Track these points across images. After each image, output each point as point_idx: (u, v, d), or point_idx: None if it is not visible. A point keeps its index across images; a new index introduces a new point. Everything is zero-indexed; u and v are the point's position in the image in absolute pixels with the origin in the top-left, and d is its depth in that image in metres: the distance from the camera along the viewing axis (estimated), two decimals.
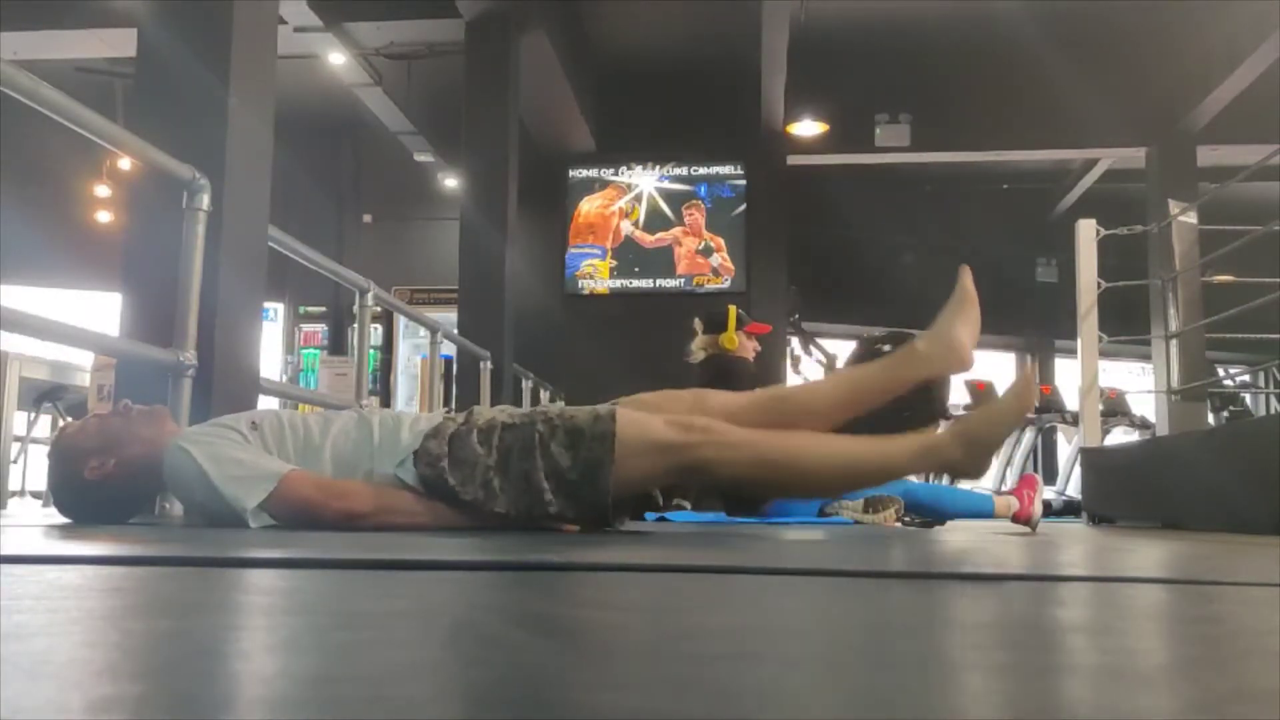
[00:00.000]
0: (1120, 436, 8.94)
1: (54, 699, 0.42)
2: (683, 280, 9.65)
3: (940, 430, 2.24)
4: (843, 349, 5.39)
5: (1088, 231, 5.07)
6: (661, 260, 9.67)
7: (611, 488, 1.98)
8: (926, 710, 0.43)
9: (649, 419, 2.03)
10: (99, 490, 2.09)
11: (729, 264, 9.64)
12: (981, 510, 3.45)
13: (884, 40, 8.60)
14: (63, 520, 2.16)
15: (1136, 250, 7.29)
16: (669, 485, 2.15)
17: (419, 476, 2.00)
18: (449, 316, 6.85)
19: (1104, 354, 5.24)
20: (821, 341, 8.22)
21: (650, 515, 2.69)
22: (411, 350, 10.17)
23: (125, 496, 2.16)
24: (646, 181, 9.75)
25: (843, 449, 2.07)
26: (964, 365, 2.25)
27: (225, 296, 2.93)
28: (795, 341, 8.36)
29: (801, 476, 2.07)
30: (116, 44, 7.50)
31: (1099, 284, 5.01)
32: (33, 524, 2.11)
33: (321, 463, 2.04)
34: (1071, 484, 8.77)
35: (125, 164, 4.60)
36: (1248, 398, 9.36)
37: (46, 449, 2.39)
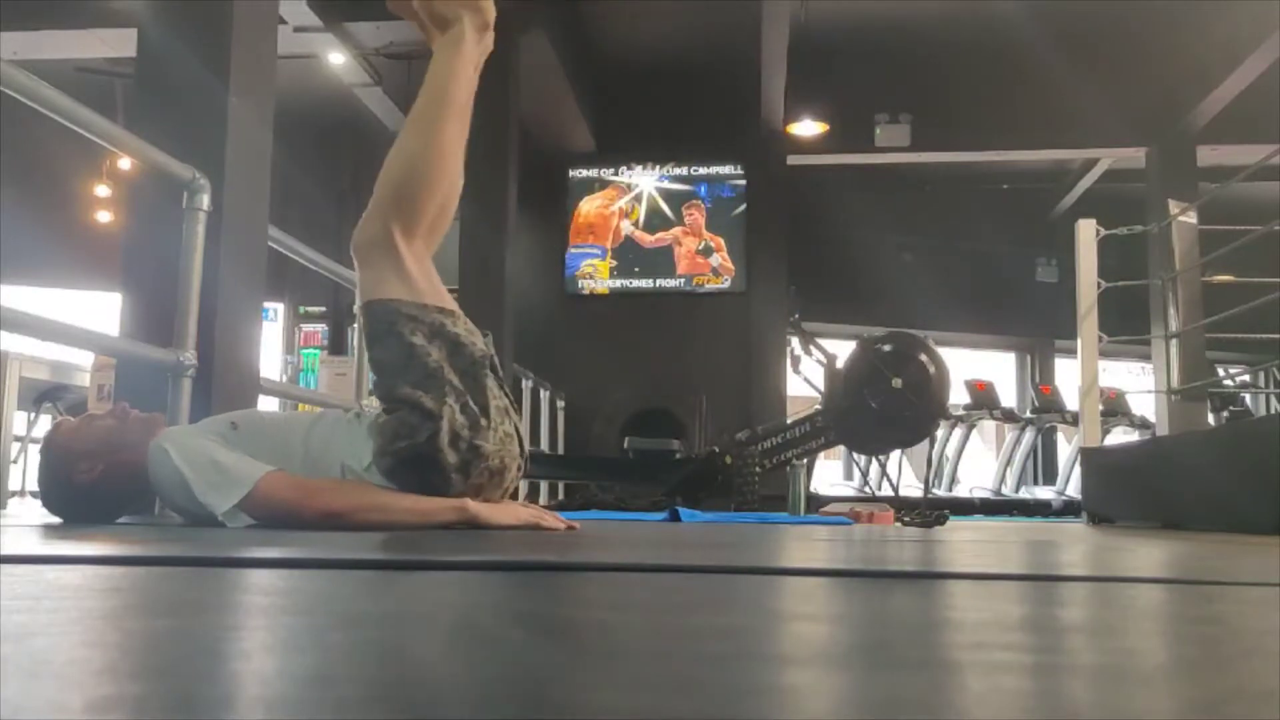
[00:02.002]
0: (1120, 436, 8.94)
1: (54, 699, 0.42)
2: (683, 280, 9.65)
3: None
4: (843, 349, 5.38)
5: (1088, 231, 5.07)
6: (661, 260, 9.67)
7: (411, 299, 2.06)
8: (927, 710, 0.43)
9: (362, 270, 2.14)
10: (89, 491, 2.10)
11: (729, 264, 9.64)
12: None
13: (884, 40, 8.60)
14: (61, 520, 2.16)
15: (1136, 250, 7.29)
16: (431, 238, 2.23)
17: (384, 473, 2.02)
18: None
19: (1104, 354, 5.25)
20: (821, 341, 8.23)
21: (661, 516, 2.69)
22: None
23: (114, 499, 2.16)
24: (646, 181, 9.76)
25: (413, 110, 2.27)
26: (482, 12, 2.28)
27: (225, 296, 2.93)
28: (795, 341, 8.36)
29: (414, 150, 2.21)
30: (116, 44, 7.50)
31: (1099, 284, 5.02)
32: (32, 524, 2.11)
33: (298, 462, 2.05)
34: (1071, 484, 8.78)
35: (125, 164, 4.60)
36: (1248, 398, 9.36)
37: (39, 446, 2.39)
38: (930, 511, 3.76)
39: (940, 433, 8.85)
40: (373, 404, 2.24)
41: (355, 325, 4.67)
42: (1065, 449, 10.27)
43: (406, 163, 2.20)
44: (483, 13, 2.25)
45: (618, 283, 9.65)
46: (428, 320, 2.06)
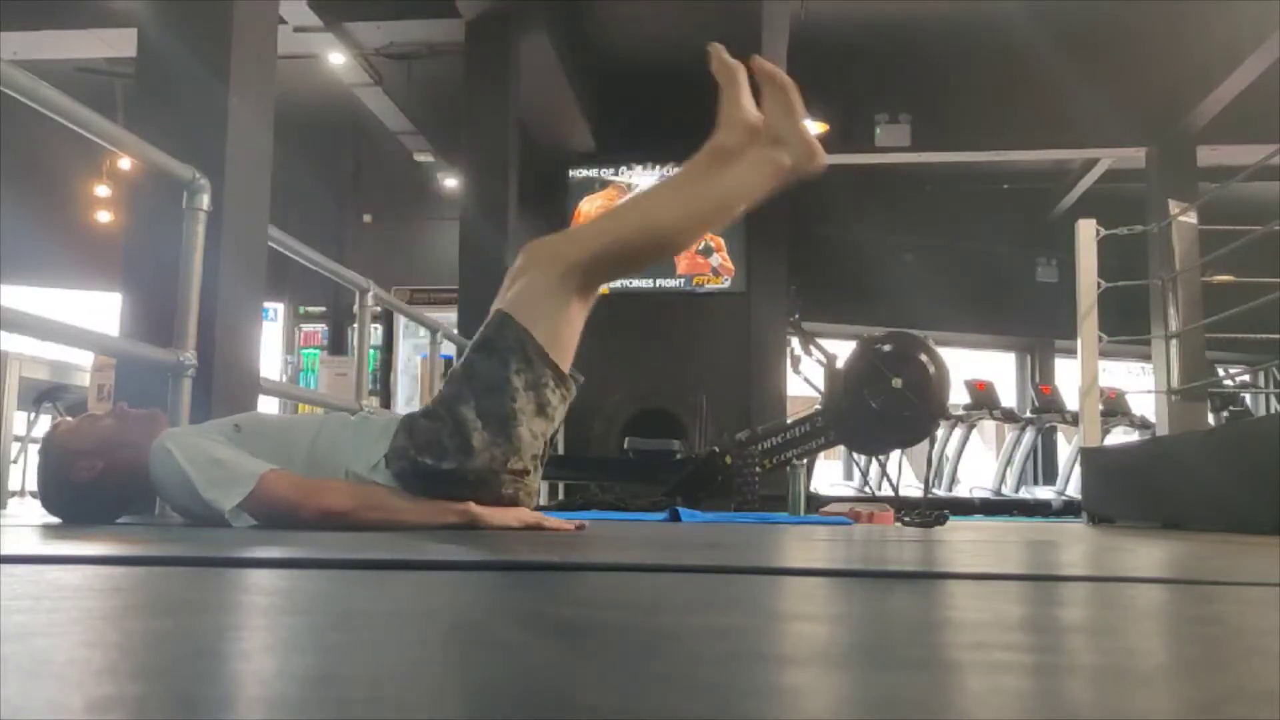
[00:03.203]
0: (1120, 436, 8.94)
1: (54, 699, 0.42)
2: (683, 280, 9.65)
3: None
4: (843, 349, 5.39)
5: (1088, 231, 5.07)
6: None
7: (544, 345, 2.01)
8: (927, 710, 0.43)
9: (516, 285, 2.08)
10: (88, 491, 2.10)
11: (729, 264, 9.64)
12: None
13: (884, 40, 8.60)
14: (60, 520, 2.16)
15: (1136, 250, 7.29)
16: (582, 312, 2.14)
17: (395, 474, 2.01)
18: (449, 316, 6.85)
19: (1104, 354, 5.25)
20: (821, 341, 8.23)
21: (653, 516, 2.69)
22: (411, 350, 10.17)
23: (114, 498, 2.16)
24: (646, 181, 9.75)
25: (680, 182, 2.19)
26: (814, 156, 2.20)
27: (225, 296, 2.93)
28: (795, 341, 8.36)
29: (662, 224, 2.11)
30: (116, 44, 7.51)
31: (1099, 284, 5.01)
32: (32, 524, 2.11)
33: (301, 464, 2.05)
34: (1071, 484, 8.78)
35: (125, 164, 4.60)
36: (1248, 398, 9.36)
37: (39, 446, 2.39)
38: (930, 511, 3.76)
39: (940, 433, 8.85)
40: (374, 405, 2.24)
41: (354, 325, 4.67)
42: (1065, 449, 10.27)
43: (646, 233, 2.11)
44: (812, 157, 2.18)
45: (618, 283, 9.64)
46: (538, 371, 2.03)
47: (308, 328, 10.81)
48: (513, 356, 2.01)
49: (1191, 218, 5.16)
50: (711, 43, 2.21)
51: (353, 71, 8.09)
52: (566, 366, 2.08)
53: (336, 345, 10.59)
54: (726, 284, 9.60)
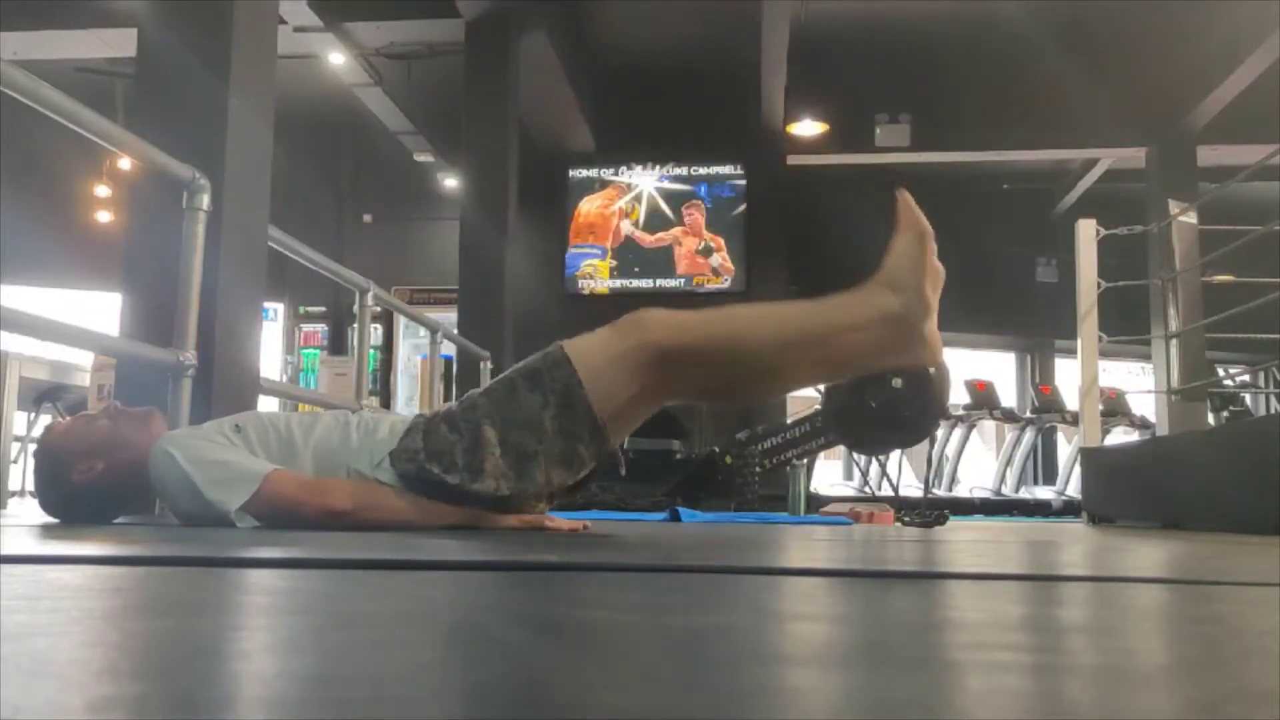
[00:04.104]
0: (1120, 436, 8.94)
1: (54, 699, 0.42)
2: (683, 280, 9.65)
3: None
4: None
5: (1088, 231, 5.07)
6: (661, 260, 9.67)
7: (594, 407, 1.93)
8: (927, 710, 0.43)
9: (593, 335, 1.99)
10: (87, 492, 2.09)
11: (729, 264, 9.64)
12: None
13: (884, 40, 8.60)
14: (57, 520, 2.16)
15: (1136, 250, 7.30)
16: (638, 401, 2.06)
17: (399, 474, 2.00)
18: (449, 316, 6.86)
19: (1104, 354, 5.25)
20: None
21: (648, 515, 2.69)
22: (411, 350, 10.18)
23: (113, 498, 2.16)
24: (646, 181, 9.76)
25: (786, 312, 2.02)
26: (936, 361, 2.06)
27: (225, 296, 2.93)
28: None
29: (752, 347, 1.96)
30: (116, 44, 7.51)
31: (1099, 284, 5.01)
32: (32, 524, 2.11)
33: (303, 463, 2.05)
34: (1071, 484, 8.78)
35: (125, 164, 4.60)
36: (1248, 398, 9.36)
37: (35, 448, 2.39)
38: (930, 511, 3.75)
39: (940, 433, 8.84)
40: (374, 405, 2.23)
41: (354, 325, 4.67)
42: (1065, 449, 10.27)
43: (734, 343, 1.96)
44: (926, 313, 1.99)
45: (618, 283, 9.65)
46: (577, 423, 1.94)
47: (308, 328, 10.81)
48: (554, 398, 1.94)
49: (1191, 218, 5.16)
50: (901, 189, 2.04)
51: (353, 71, 8.10)
52: (613, 435, 1.98)
53: (336, 345, 10.59)
54: (726, 284, 9.60)
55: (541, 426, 1.94)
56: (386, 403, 10.01)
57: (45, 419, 5.75)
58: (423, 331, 7.08)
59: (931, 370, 2.03)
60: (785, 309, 2.06)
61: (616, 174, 9.76)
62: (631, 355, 1.93)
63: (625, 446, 2.32)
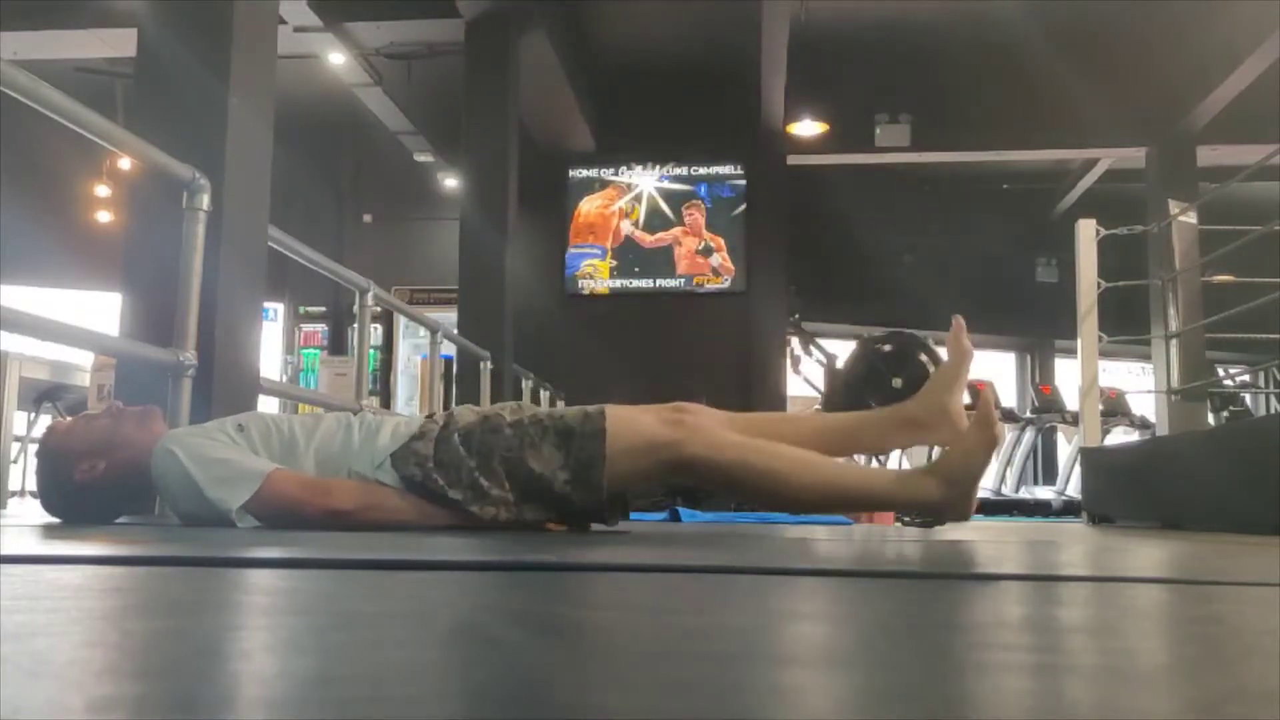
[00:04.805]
0: (1120, 436, 8.94)
1: (54, 699, 0.42)
2: (683, 280, 9.65)
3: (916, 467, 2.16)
4: (843, 349, 5.38)
5: (1088, 231, 5.07)
6: (661, 260, 9.67)
7: (605, 485, 1.99)
8: (927, 710, 0.43)
9: (639, 415, 2.04)
10: (89, 492, 2.09)
11: (729, 264, 9.64)
12: None
13: (884, 40, 8.60)
14: (60, 520, 2.16)
15: (1136, 250, 7.29)
16: (651, 482, 2.14)
17: (403, 478, 2.00)
18: (449, 316, 6.85)
19: (1104, 354, 5.24)
20: (821, 341, 8.24)
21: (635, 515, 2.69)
22: (411, 350, 10.18)
23: (115, 498, 2.16)
24: (646, 181, 9.76)
25: (826, 467, 2.05)
26: (958, 434, 2.09)
27: (225, 296, 2.93)
28: (795, 341, 8.37)
29: (783, 488, 2.03)
30: (116, 44, 7.50)
31: (1099, 284, 5.01)
32: (32, 524, 2.11)
33: (305, 464, 2.05)
34: (1071, 484, 8.78)
35: (125, 164, 4.60)
36: (1248, 398, 9.36)
37: (36, 448, 2.39)
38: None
39: None
40: (374, 405, 2.24)
41: (354, 325, 4.67)
42: (1065, 449, 10.27)
43: (766, 478, 2.01)
44: (966, 514, 2.03)
45: (618, 283, 9.65)
46: (583, 495, 1.99)
47: (308, 328, 10.81)
48: (574, 465, 1.99)
49: (1191, 218, 5.16)
50: (957, 317, 2.14)
51: (353, 71, 8.09)
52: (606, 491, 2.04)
53: (336, 345, 10.59)
54: (726, 284, 9.60)
55: (550, 484, 1.99)
56: (386, 403, 10.01)
57: (45, 419, 5.76)
58: (423, 331, 7.08)
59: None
60: (831, 467, 2.07)
61: (616, 174, 9.76)
62: (664, 453, 1.99)
63: None
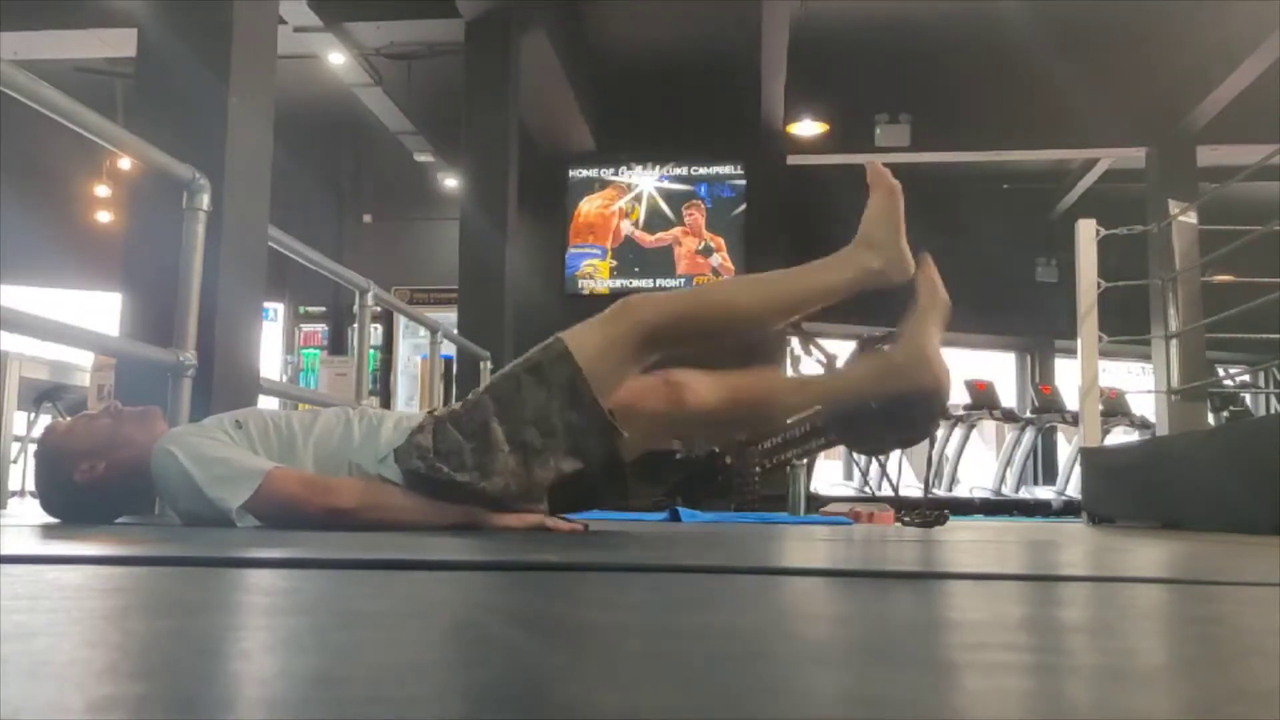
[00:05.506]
0: (1120, 436, 8.94)
1: (54, 699, 0.42)
2: (683, 280, 9.65)
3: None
4: (843, 349, 5.38)
5: (1088, 231, 5.07)
6: (661, 260, 9.67)
7: (599, 398, 1.97)
8: (927, 710, 0.43)
9: (588, 324, 2.06)
10: (89, 492, 2.09)
11: (729, 264, 9.64)
12: None
13: (884, 40, 8.60)
14: (59, 520, 2.16)
15: (1136, 250, 7.29)
16: (642, 384, 2.11)
17: (407, 472, 2.00)
18: (449, 316, 6.85)
19: (1104, 354, 5.25)
20: (821, 341, 8.23)
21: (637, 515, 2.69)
22: (411, 350, 10.18)
23: (115, 498, 2.16)
24: (646, 181, 9.76)
25: (775, 276, 2.19)
26: (939, 381, 2.17)
27: (225, 296, 2.93)
28: (795, 341, 8.36)
29: (742, 308, 2.14)
30: (116, 44, 7.50)
31: (1099, 284, 5.01)
32: (32, 524, 2.11)
33: (305, 460, 2.04)
34: (1071, 484, 8.78)
35: (125, 164, 4.60)
36: (1248, 398, 9.36)
37: (34, 448, 2.39)
38: (930, 511, 3.75)
39: (940, 433, 8.84)
40: (373, 404, 2.24)
41: (354, 325, 4.67)
42: (1065, 449, 10.28)
43: (721, 310, 2.13)
44: (905, 270, 2.17)
45: (618, 283, 9.64)
46: (585, 416, 1.98)
47: (308, 328, 10.81)
48: (559, 392, 1.97)
49: (1191, 218, 5.16)
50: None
51: (353, 71, 8.09)
52: (629, 430, 2.03)
53: (336, 345, 10.59)
54: None
55: (549, 421, 1.98)
56: (386, 403, 10.01)
57: (45, 419, 5.76)
58: (423, 331, 7.08)
59: (908, 275, 2.19)
60: (769, 275, 2.23)
61: (616, 174, 9.76)
62: (627, 338, 2.00)
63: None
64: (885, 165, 2.24)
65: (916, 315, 2.21)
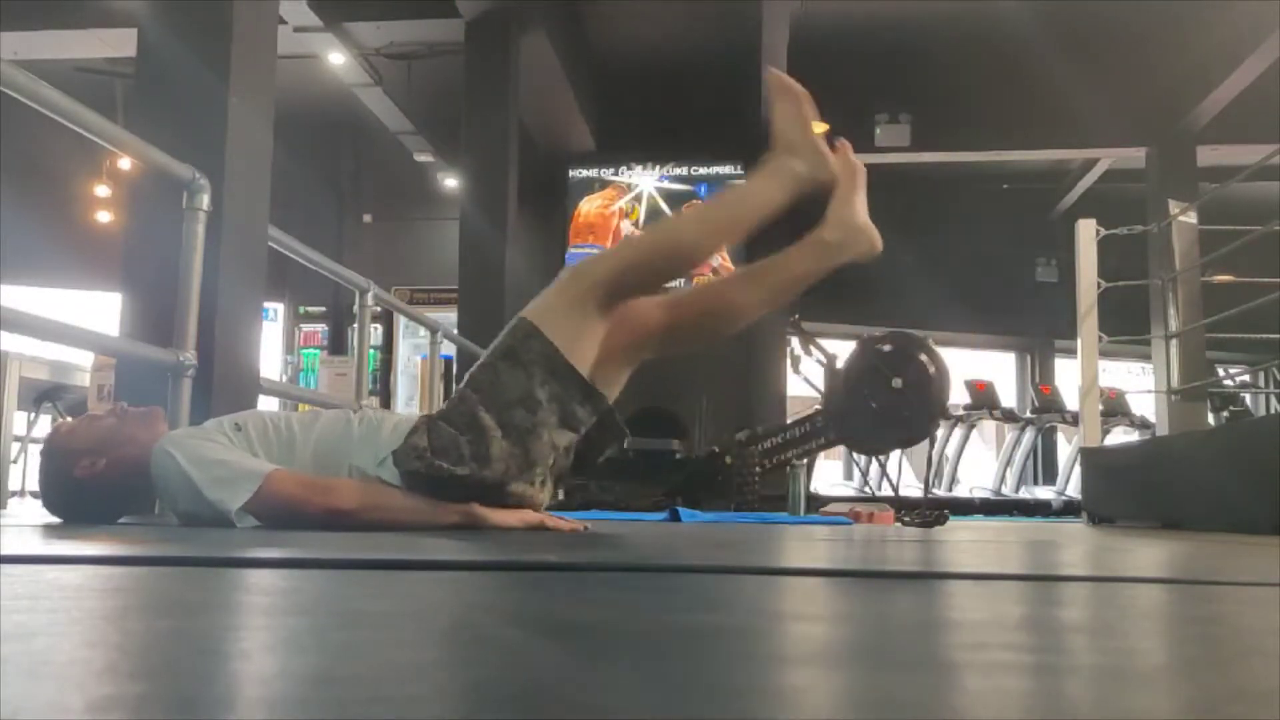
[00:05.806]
0: (1120, 436, 8.94)
1: (54, 699, 0.42)
2: (682, 281, 9.65)
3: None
4: (843, 349, 5.38)
5: (1088, 231, 5.07)
6: None
7: (576, 366, 2.01)
8: (927, 710, 0.43)
9: (543, 296, 2.10)
10: (89, 489, 2.09)
11: (728, 264, 9.63)
12: None
13: (884, 40, 8.60)
14: (61, 520, 2.16)
15: (1136, 250, 7.29)
16: (610, 340, 2.13)
17: (406, 474, 2.00)
18: (449, 316, 6.85)
19: (1104, 354, 5.25)
20: (821, 341, 8.24)
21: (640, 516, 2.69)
22: (411, 350, 10.18)
23: (116, 497, 2.16)
24: (646, 181, 9.75)
25: (714, 203, 2.25)
26: (873, 244, 2.30)
27: (225, 296, 2.93)
28: (795, 341, 8.36)
29: (689, 240, 2.21)
30: (116, 44, 7.51)
31: (1099, 284, 5.01)
32: (32, 524, 2.11)
33: (304, 460, 2.05)
34: (1071, 484, 8.78)
35: (125, 164, 4.60)
36: (1248, 398, 9.36)
37: (40, 449, 2.40)
38: (930, 511, 3.75)
39: (940, 433, 8.84)
40: (373, 405, 2.24)
41: (354, 325, 4.67)
42: (1065, 449, 10.27)
43: (664, 248, 2.18)
44: (824, 165, 2.27)
45: None
46: (565, 386, 2.01)
47: (308, 328, 10.81)
48: (538, 369, 2.00)
49: (1191, 218, 5.16)
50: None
51: (353, 71, 8.10)
52: (601, 384, 2.07)
53: (336, 345, 10.59)
54: None
55: (534, 399, 2.01)
56: (386, 403, 10.01)
57: (45, 419, 5.76)
58: (423, 331, 7.08)
59: (829, 171, 2.27)
60: (706, 204, 2.33)
61: (616, 174, 9.76)
62: (586, 299, 2.04)
63: (626, 446, 2.35)
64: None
65: (839, 195, 2.30)
